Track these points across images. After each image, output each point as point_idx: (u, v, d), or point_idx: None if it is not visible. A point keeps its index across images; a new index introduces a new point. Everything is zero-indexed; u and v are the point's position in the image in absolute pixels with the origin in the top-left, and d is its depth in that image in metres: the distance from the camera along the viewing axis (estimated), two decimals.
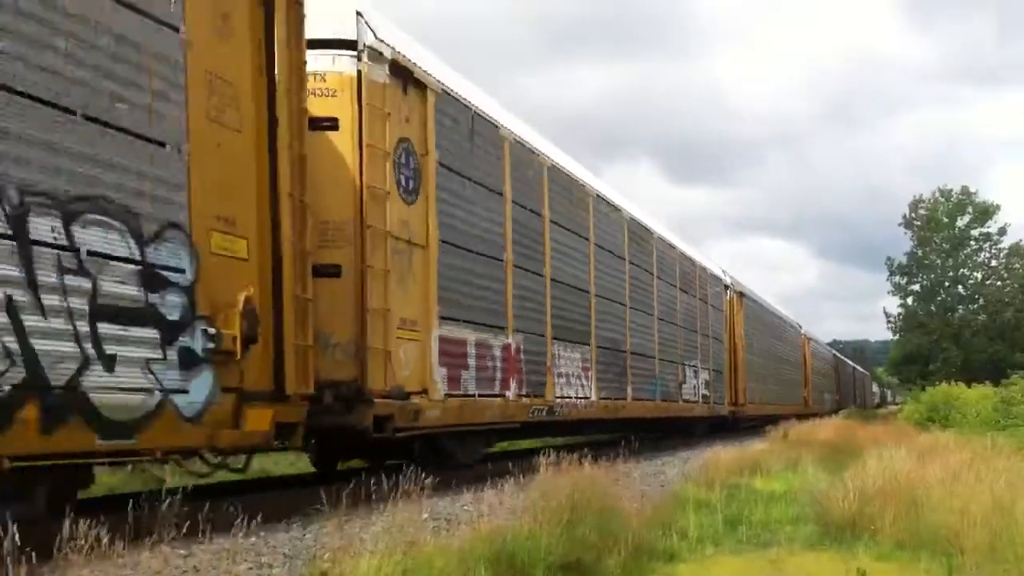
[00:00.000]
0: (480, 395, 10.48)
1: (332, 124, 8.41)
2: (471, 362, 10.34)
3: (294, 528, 6.56)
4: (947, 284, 56.59)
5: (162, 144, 6.09)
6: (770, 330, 30.59)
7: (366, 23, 8.59)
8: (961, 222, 56.24)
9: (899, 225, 58.02)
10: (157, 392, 5.89)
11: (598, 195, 14.89)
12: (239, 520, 5.23)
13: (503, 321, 11.21)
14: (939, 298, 56.62)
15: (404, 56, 9.13)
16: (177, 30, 6.27)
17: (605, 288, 14.93)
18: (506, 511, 6.82)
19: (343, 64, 8.56)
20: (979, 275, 56.31)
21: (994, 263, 55.99)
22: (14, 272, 5.04)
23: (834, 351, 60.17)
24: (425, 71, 9.63)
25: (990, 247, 56.10)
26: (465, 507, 7.72)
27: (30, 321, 5.08)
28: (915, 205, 57.69)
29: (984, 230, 55.96)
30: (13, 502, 5.34)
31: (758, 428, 23.77)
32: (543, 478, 7.19)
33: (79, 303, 5.40)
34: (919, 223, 56.79)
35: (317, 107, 8.15)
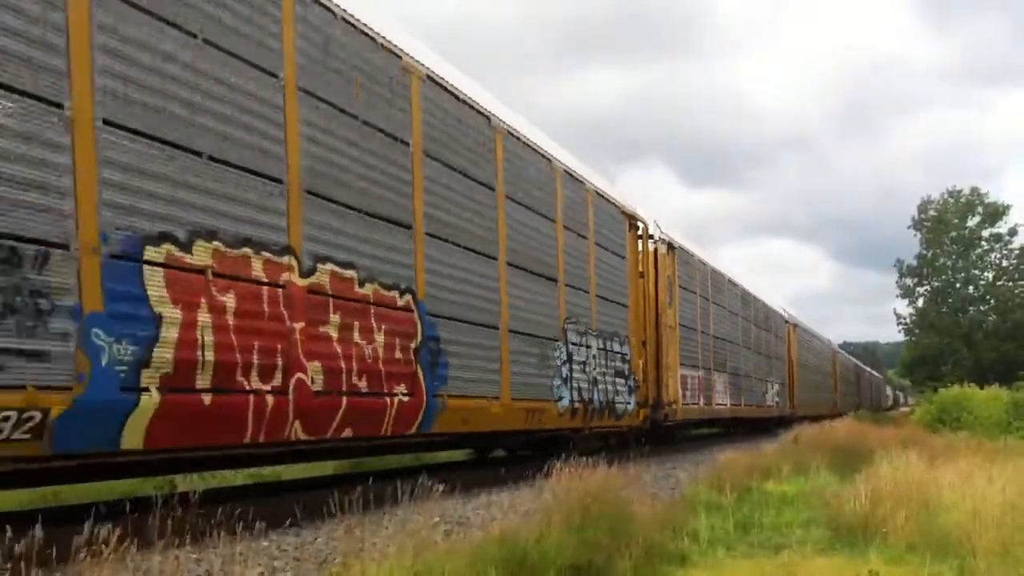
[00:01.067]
0: (691, 404, 19.03)
1: (644, 274, 16.29)
2: (689, 385, 18.91)
3: (305, 531, 6.57)
4: (958, 285, 56.35)
5: (626, 305, 15.13)
6: (811, 349, 39.14)
7: (656, 224, 17.19)
8: (971, 222, 56.02)
9: (908, 227, 57.85)
10: (624, 403, 14.51)
11: (730, 280, 24.13)
12: (251, 523, 5.25)
13: (698, 363, 19.87)
14: (950, 299, 56.37)
15: (670, 236, 17.88)
16: (625, 258, 15.33)
17: (733, 335, 23.88)
18: (517, 513, 6.83)
19: (648, 246, 16.65)
20: (990, 276, 56.08)
21: (1005, 263, 55.72)
22: (604, 363, 13.78)
23: (856, 361, 64.73)
24: (676, 240, 18.35)
25: (1001, 248, 55.85)
26: (477, 510, 7.73)
27: (606, 380, 13.81)
28: (924, 207, 57.49)
29: (994, 231, 55.77)
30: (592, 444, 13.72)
31: (782, 428, 28.05)
32: (554, 481, 7.19)
33: (611, 370, 14.07)
34: (928, 224, 56.56)
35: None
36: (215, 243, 6.17)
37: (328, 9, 7.56)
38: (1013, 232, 54.94)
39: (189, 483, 10.35)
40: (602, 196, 14.34)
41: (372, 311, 7.92)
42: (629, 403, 14.80)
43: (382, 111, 8.22)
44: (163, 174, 5.80)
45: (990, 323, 54.79)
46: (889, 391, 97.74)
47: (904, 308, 58.97)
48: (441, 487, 6.31)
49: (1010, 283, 55.11)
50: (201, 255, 6.04)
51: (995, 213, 55.48)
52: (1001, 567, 6.15)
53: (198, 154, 6.09)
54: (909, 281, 57.64)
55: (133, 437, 5.49)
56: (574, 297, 12.87)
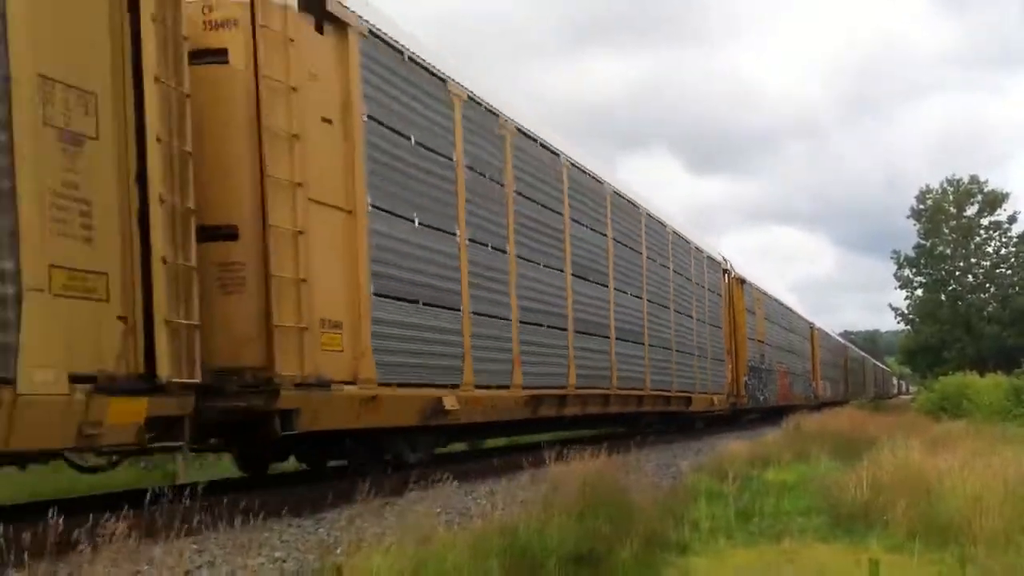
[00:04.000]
0: (823, 395, 40.23)
1: (811, 344, 43.41)
2: (821, 387, 40.76)
3: (307, 523, 6.58)
4: (957, 273, 56.24)
5: (809, 358, 40.22)
6: (854, 359, 60.26)
7: (814, 322, 44.31)
8: (970, 211, 55.89)
9: (907, 217, 57.70)
10: (812, 396, 38.43)
11: (833, 336, 50.65)
12: (252, 515, 5.26)
13: (824, 377, 42.09)
14: (950, 288, 56.27)
15: (818, 327, 45.81)
16: (808, 340, 40.21)
17: (832, 362, 46.53)
18: (518, 503, 6.84)
19: (814, 334, 43.16)
20: (988, 263, 55.95)
21: (1004, 252, 55.59)
22: (810, 382, 39.97)
23: (874, 361, 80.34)
24: (821, 327, 45.30)
25: (1000, 235, 55.69)
26: (478, 500, 7.74)
27: (810, 388, 38.71)
28: (923, 196, 57.27)
29: (994, 218, 55.61)
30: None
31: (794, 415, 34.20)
32: (555, 470, 7.20)
33: (805, 383, 37.22)
34: (927, 214, 56.39)
35: None
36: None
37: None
38: (1013, 219, 54.79)
39: (189, 476, 10.38)
40: (809, 319, 37.66)
41: (787, 376, 31.61)
42: (811, 395, 34.97)
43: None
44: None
45: (991, 311, 54.70)
46: (895, 380, 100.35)
47: (901, 301, 58.81)
48: (450, 478, 6.33)
49: (1009, 271, 55.05)
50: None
51: (994, 201, 55.29)
52: (1002, 554, 6.15)
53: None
54: (908, 272, 57.52)
55: None
56: (802, 360, 35.45)
